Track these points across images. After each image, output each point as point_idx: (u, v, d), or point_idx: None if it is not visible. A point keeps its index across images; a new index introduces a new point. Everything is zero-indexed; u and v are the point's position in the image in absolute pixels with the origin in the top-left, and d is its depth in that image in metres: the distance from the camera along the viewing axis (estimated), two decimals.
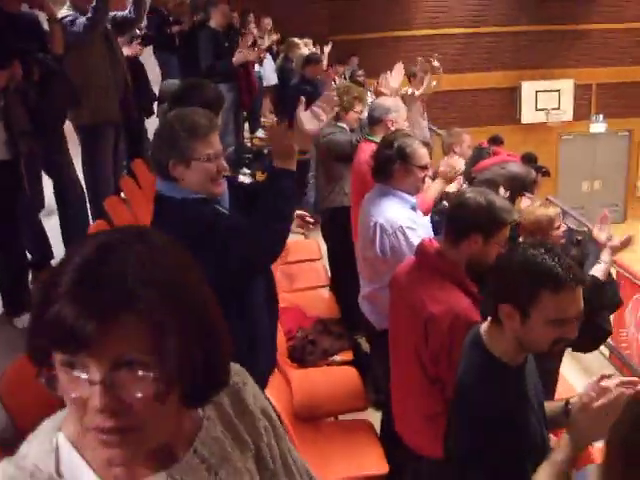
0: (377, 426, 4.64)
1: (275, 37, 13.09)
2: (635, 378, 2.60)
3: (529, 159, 9.40)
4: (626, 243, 4.56)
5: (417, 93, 9.79)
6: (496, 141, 10.33)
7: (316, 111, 3.33)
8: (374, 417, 4.86)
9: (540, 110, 17.74)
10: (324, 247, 7.35)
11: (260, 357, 3.34)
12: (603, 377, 2.56)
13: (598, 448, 2.99)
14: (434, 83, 10.22)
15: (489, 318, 2.65)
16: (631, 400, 2.27)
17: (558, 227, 4.70)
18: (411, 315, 3.40)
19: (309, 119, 3.31)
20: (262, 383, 3.39)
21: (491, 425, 2.43)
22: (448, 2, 17.20)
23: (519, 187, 5.70)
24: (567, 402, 2.70)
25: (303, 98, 3.48)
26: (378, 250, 4.35)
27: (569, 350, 5.14)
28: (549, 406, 2.78)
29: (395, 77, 7.32)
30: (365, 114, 6.47)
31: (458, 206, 3.51)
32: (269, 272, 3.61)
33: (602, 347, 7.99)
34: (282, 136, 3.19)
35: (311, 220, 3.99)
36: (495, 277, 2.61)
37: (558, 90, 17.80)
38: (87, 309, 1.10)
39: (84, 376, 1.13)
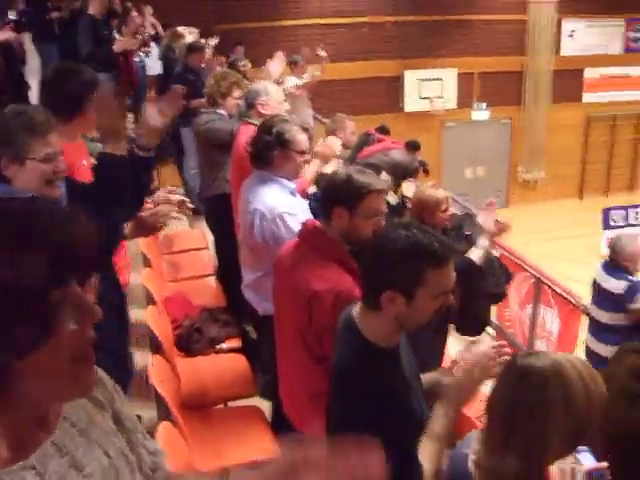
0: (267, 412, 4.64)
1: (154, 21, 12.88)
2: (503, 342, 2.67)
3: (413, 146, 9.53)
4: (503, 229, 4.69)
5: (300, 82, 9.84)
6: (383, 130, 10.43)
7: (162, 107, 3.25)
8: (263, 403, 4.86)
9: (424, 98, 18.00)
10: (210, 236, 7.31)
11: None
12: (473, 344, 2.62)
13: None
14: (317, 72, 10.28)
15: (362, 302, 2.61)
16: (509, 364, 2.34)
17: (445, 210, 4.77)
18: (295, 295, 3.40)
19: (154, 115, 3.23)
20: None
21: (373, 411, 2.42)
22: None
23: (402, 174, 5.79)
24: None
25: (153, 94, 3.43)
26: (258, 237, 4.33)
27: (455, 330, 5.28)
28: (425, 378, 2.81)
29: (275, 64, 7.32)
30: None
31: (323, 182, 3.55)
32: (115, 282, 3.52)
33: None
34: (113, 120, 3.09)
35: (190, 205, 3.93)
36: (372, 265, 2.55)
37: (441, 79, 18.09)
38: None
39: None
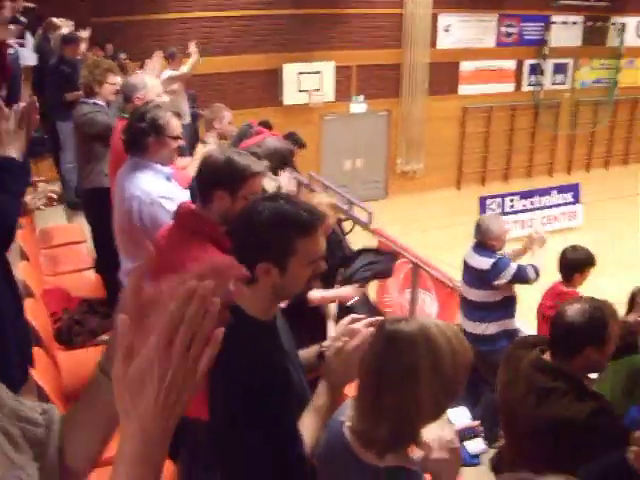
0: None
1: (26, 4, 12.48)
2: (381, 318, 2.75)
3: (291, 138, 9.61)
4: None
5: (175, 74, 9.82)
6: (266, 125, 10.48)
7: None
8: None
9: (302, 92, 18.03)
10: (88, 229, 7.23)
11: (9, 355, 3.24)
12: (353, 319, 2.70)
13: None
14: (192, 65, 10.26)
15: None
16: (377, 329, 2.42)
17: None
18: None
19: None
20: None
21: (255, 385, 2.44)
22: None
23: (279, 160, 5.84)
24: (321, 346, 2.80)
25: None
26: (137, 222, 4.30)
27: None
28: (304, 354, 2.87)
29: (153, 64, 7.32)
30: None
31: (201, 165, 3.57)
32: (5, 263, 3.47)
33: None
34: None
35: (55, 196, 3.88)
36: (243, 239, 2.57)
37: (319, 72, 18.16)
38: None
39: None
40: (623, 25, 21.98)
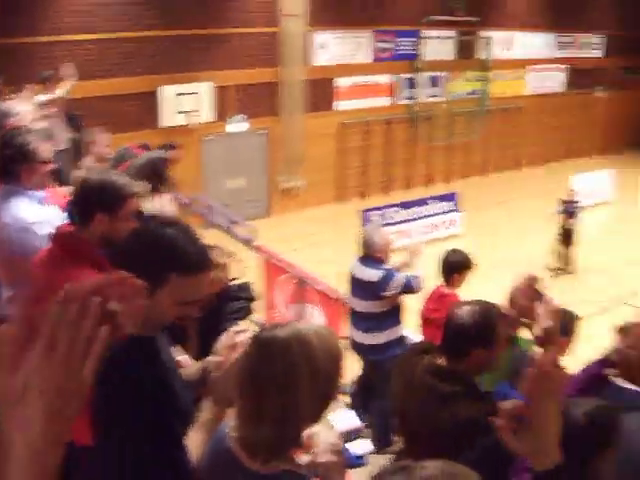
0: None
1: None
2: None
3: (167, 146, 9.65)
4: None
5: (49, 98, 9.68)
6: (145, 148, 10.46)
7: None
8: None
9: (181, 113, 17.87)
10: None
11: None
12: (237, 332, 2.73)
13: None
14: (68, 89, 10.13)
15: None
16: (253, 338, 2.46)
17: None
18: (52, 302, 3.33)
19: None
20: None
21: (142, 399, 2.44)
22: (84, 7, 16.75)
23: (151, 169, 5.80)
24: (203, 362, 2.81)
25: None
26: (11, 250, 4.22)
27: None
28: (186, 371, 2.87)
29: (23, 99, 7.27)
30: None
31: (78, 189, 3.55)
32: None
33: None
34: None
35: None
36: (127, 252, 2.56)
37: (197, 92, 18.07)
38: None
39: None
40: (490, 39, 22.72)
